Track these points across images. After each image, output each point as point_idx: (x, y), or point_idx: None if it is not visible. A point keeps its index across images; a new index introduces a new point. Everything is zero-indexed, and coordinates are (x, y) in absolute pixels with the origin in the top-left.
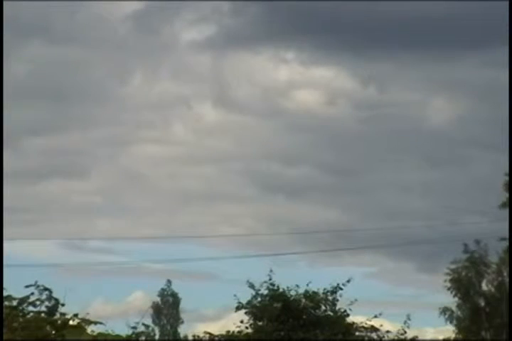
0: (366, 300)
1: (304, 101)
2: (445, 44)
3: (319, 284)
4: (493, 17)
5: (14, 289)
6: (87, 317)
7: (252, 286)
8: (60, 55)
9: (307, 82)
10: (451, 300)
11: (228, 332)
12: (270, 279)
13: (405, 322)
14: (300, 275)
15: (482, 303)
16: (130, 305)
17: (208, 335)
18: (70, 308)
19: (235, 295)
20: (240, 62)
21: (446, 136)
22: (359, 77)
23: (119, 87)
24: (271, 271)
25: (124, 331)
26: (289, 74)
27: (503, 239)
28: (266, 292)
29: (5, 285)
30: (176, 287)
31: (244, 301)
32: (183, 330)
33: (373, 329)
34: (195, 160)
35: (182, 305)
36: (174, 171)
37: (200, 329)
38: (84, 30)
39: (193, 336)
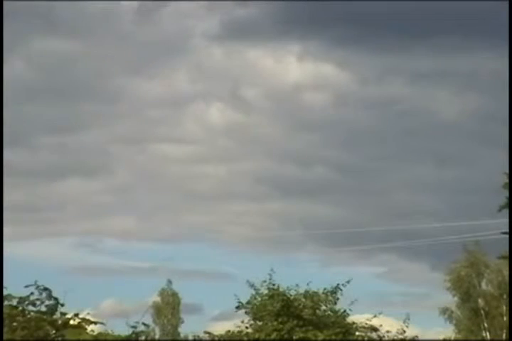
0: (376, 299)
1: (315, 100)
2: (455, 36)
3: (330, 284)
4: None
5: (23, 289)
6: (87, 317)
7: (252, 286)
8: (70, 51)
9: (317, 80)
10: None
11: (228, 331)
12: (270, 278)
13: (404, 321)
14: (311, 275)
15: (482, 303)
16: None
17: (207, 335)
18: (82, 307)
19: (235, 295)
20: (252, 59)
21: (458, 132)
22: (369, 75)
23: (129, 84)
24: (271, 270)
25: (125, 331)
26: (299, 73)
27: (504, 232)
28: (266, 291)
29: (12, 284)
30: (188, 287)
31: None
32: (196, 329)
33: (373, 329)
34: (207, 159)
35: (204, 307)
36: (186, 170)
37: (213, 328)
38: (92, 26)
39: (193, 336)
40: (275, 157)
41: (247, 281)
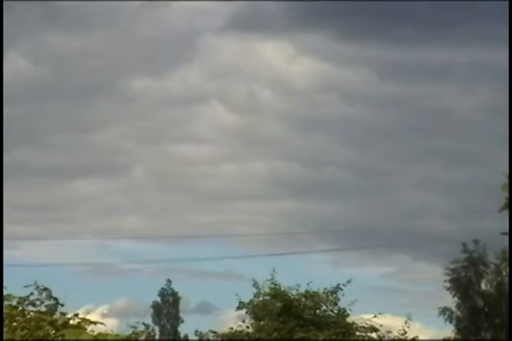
0: (386, 299)
1: (326, 99)
2: (462, 28)
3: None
4: None
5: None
6: (87, 317)
7: (254, 284)
8: (79, 49)
9: (328, 79)
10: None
11: (231, 328)
12: (272, 278)
13: (406, 322)
14: (322, 274)
15: (481, 303)
16: None
17: (213, 334)
18: (95, 307)
19: (236, 295)
20: (262, 56)
21: (471, 130)
22: (378, 73)
23: (140, 83)
24: (274, 270)
25: (124, 331)
26: (310, 70)
27: (504, 233)
28: (267, 291)
29: (24, 284)
30: (198, 286)
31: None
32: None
33: (374, 329)
34: (218, 159)
35: (219, 307)
36: (198, 170)
37: (225, 327)
38: (98, 22)
39: (195, 331)
40: (286, 157)
41: (253, 279)
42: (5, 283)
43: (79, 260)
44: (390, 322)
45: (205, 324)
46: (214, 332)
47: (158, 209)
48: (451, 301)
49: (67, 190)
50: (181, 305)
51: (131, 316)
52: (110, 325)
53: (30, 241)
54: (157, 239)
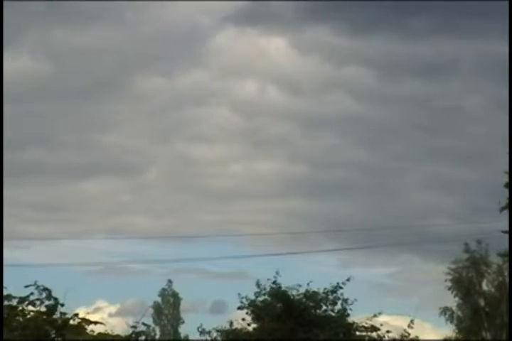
0: (392, 298)
1: (334, 99)
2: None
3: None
4: None
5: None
6: (87, 317)
7: (258, 285)
8: (85, 47)
9: (336, 79)
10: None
11: (231, 323)
12: (276, 279)
13: (409, 326)
14: (330, 274)
15: (482, 303)
16: None
17: (218, 333)
18: (104, 306)
19: (239, 294)
20: (271, 53)
21: (480, 129)
22: (384, 71)
23: (147, 82)
24: (277, 273)
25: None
26: (315, 71)
27: (504, 231)
28: (268, 290)
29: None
30: (205, 286)
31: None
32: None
33: (374, 329)
34: (226, 159)
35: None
36: (206, 171)
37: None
38: (102, 19)
39: (198, 328)
40: (294, 156)
41: (257, 281)
42: (13, 284)
43: (88, 260)
44: (397, 323)
45: (214, 324)
46: (219, 331)
47: (167, 209)
48: (456, 301)
49: (78, 189)
50: (191, 306)
51: (139, 316)
52: (119, 325)
53: (40, 241)
54: (167, 239)
